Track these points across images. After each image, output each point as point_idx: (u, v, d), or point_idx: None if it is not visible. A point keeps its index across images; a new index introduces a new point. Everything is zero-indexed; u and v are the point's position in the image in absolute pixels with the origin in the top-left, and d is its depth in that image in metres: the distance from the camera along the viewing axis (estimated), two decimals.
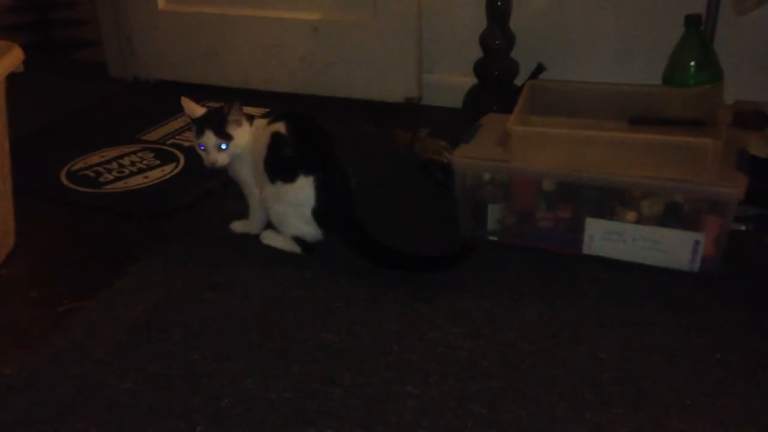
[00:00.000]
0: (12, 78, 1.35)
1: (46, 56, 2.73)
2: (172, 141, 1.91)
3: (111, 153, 1.85)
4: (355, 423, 0.99)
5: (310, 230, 1.34)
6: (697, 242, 1.24)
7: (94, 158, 1.82)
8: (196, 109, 1.34)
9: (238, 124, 1.33)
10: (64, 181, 1.72)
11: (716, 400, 1.01)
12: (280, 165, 1.32)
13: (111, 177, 1.72)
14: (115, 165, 1.79)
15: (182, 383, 1.07)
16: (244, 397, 1.04)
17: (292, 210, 1.33)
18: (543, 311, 1.20)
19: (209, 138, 1.31)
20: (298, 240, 1.36)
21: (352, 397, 1.03)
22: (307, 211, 1.32)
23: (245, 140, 1.34)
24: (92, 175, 1.74)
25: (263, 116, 1.43)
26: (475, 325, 1.17)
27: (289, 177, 1.31)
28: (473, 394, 1.03)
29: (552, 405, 1.01)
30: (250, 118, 1.37)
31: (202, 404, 1.03)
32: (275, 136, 1.32)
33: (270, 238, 1.40)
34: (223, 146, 1.31)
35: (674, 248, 1.26)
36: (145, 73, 2.41)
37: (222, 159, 1.32)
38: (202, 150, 1.33)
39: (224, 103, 1.33)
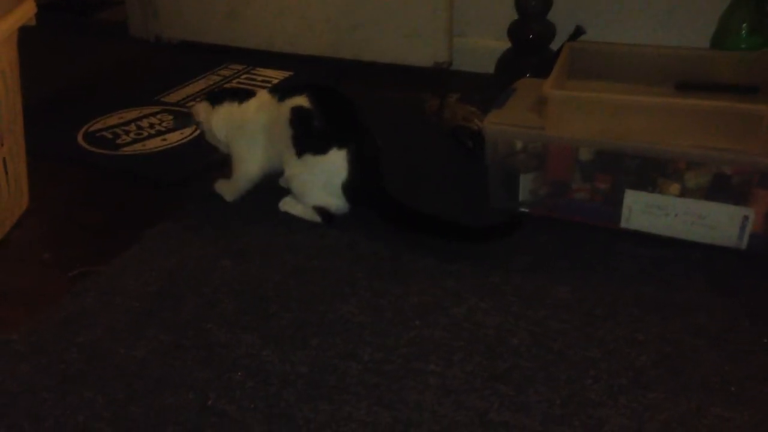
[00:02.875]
0: (32, 37, 1.30)
1: (68, 16, 2.69)
2: (192, 103, 1.86)
3: (130, 114, 1.81)
4: (373, 400, 0.94)
5: (336, 202, 1.30)
6: (745, 218, 1.17)
7: (113, 119, 1.78)
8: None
9: (198, 117, 1.39)
10: (82, 142, 1.68)
11: (764, 387, 0.94)
12: (309, 139, 1.26)
13: (129, 139, 1.68)
14: (133, 127, 1.74)
15: (194, 354, 1.03)
16: (259, 369, 0.99)
17: (319, 181, 1.28)
18: (577, 288, 1.13)
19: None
20: (320, 210, 1.31)
21: (370, 373, 0.98)
22: (338, 182, 1.27)
23: (215, 123, 1.37)
24: (110, 136, 1.70)
25: (272, 90, 1.36)
26: (504, 301, 1.11)
27: (321, 149, 1.26)
28: (501, 374, 0.97)
29: (585, 388, 0.94)
30: (249, 94, 1.37)
31: (214, 376, 0.98)
32: (298, 111, 1.26)
33: (289, 205, 1.35)
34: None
35: (720, 224, 1.18)
36: (167, 33, 2.36)
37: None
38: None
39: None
